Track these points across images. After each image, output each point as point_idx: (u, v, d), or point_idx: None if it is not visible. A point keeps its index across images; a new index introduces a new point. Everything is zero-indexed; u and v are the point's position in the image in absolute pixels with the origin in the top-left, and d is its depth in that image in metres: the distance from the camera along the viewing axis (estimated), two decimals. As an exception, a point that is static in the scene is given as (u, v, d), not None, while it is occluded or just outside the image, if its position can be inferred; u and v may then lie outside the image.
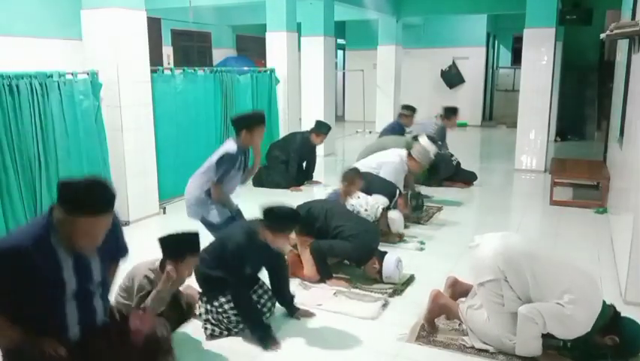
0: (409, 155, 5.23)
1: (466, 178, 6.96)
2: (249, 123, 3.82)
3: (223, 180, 3.80)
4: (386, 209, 4.58)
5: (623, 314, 2.78)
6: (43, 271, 1.98)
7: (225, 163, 3.74)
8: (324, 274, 3.79)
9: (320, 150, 8.82)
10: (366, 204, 4.44)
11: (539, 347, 2.75)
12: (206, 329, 3.04)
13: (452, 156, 7.02)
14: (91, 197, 1.94)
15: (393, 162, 5.28)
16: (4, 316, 1.98)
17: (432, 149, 5.20)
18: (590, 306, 2.68)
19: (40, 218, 2.08)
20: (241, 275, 2.98)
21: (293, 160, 6.83)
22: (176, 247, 2.61)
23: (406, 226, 4.83)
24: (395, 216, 4.66)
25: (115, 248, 2.32)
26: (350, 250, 3.78)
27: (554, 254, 2.95)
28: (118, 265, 2.45)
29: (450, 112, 7.08)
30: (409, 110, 7.31)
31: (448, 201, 6.12)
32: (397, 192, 4.93)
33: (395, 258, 3.78)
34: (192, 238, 2.65)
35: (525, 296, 2.75)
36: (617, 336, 2.68)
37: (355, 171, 4.69)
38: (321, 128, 6.85)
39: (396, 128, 7.16)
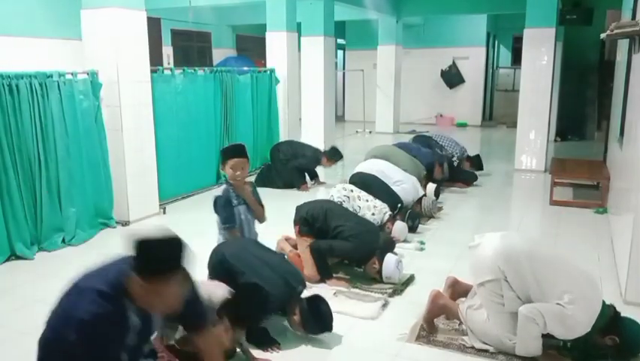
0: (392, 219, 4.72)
1: (465, 178, 6.95)
2: (222, 157, 3.65)
3: (232, 222, 3.56)
4: (392, 216, 4.58)
5: (623, 314, 2.78)
6: (111, 334, 1.92)
7: (220, 207, 3.54)
8: (324, 274, 3.79)
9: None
10: (374, 208, 4.45)
11: (539, 347, 2.75)
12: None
13: (453, 157, 6.98)
14: (165, 256, 1.82)
15: (412, 190, 5.26)
16: None
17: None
18: (589, 306, 2.68)
19: (112, 276, 1.91)
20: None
21: (297, 167, 6.81)
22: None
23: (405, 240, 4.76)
24: (400, 226, 4.64)
25: (194, 319, 2.25)
26: (350, 250, 3.78)
27: (555, 253, 2.94)
28: (202, 339, 2.30)
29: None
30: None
31: (448, 201, 6.12)
32: (399, 205, 4.91)
33: (395, 258, 3.77)
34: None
35: (525, 296, 2.75)
36: (617, 336, 2.68)
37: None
38: (335, 156, 6.83)
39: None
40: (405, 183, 5.25)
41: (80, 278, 1.97)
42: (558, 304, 2.65)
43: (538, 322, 2.66)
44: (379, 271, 3.74)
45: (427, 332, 3.08)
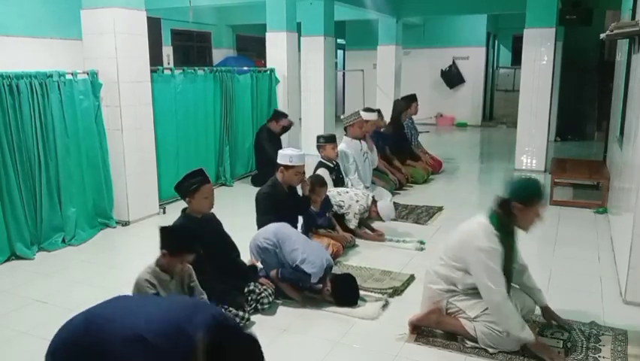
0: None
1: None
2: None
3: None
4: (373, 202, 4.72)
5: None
6: None
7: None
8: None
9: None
10: (356, 196, 4.62)
11: (527, 331, 2.74)
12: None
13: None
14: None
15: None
16: None
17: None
18: (475, 230, 2.83)
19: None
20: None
21: (267, 154, 6.76)
22: (177, 241, 2.61)
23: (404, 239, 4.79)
24: (384, 206, 4.71)
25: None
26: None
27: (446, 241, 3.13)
28: None
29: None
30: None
31: (449, 201, 6.13)
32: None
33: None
34: (194, 235, 2.66)
35: (452, 259, 2.93)
36: (516, 202, 2.77)
37: (317, 178, 4.49)
38: (278, 115, 7.04)
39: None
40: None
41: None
42: (467, 261, 2.82)
43: (498, 290, 2.73)
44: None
45: (410, 331, 3.09)
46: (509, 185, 2.87)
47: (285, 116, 7.15)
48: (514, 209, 2.77)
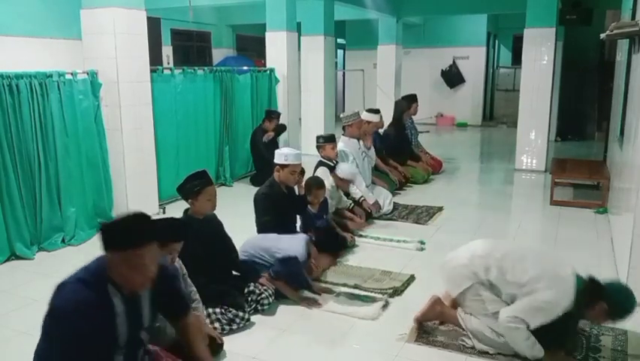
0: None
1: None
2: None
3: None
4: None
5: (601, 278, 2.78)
6: (99, 322, 1.96)
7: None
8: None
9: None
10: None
11: (535, 347, 2.74)
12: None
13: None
14: (131, 228, 1.95)
15: None
16: None
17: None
18: (559, 284, 2.70)
19: (92, 266, 2.04)
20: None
21: (263, 155, 6.78)
22: (162, 230, 2.58)
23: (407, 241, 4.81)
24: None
25: (175, 304, 2.31)
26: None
27: (516, 245, 3.08)
28: (185, 324, 2.36)
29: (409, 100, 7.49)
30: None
31: (449, 201, 6.12)
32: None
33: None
34: (179, 224, 2.66)
35: (502, 292, 2.83)
36: (605, 302, 2.69)
37: (315, 180, 4.49)
38: (271, 114, 7.05)
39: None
40: None
41: (64, 279, 2.01)
42: (528, 293, 2.70)
43: (519, 325, 2.70)
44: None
45: (415, 331, 3.08)
46: (615, 287, 2.75)
47: (276, 114, 7.15)
48: (598, 307, 2.69)
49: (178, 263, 2.81)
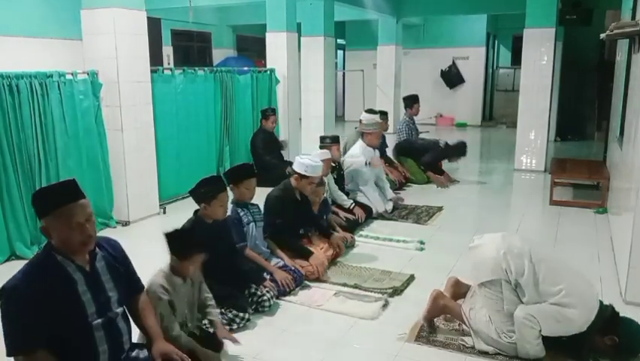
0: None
1: (455, 153, 7.07)
2: (234, 177, 3.66)
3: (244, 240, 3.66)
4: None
5: (622, 314, 2.78)
6: (60, 293, 2.00)
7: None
8: (303, 253, 3.88)
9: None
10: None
11: (540, 350, 2.75)
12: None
13: (439, 141, 7.22)
14: (58, 189, 2.09)
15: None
16: (45, 351, 1.97)
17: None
18: (585, 305, 2.69)
19: (38, 253, 2.13)
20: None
21: (265, 158, 6.83)
22: (184, 243, 2.61)
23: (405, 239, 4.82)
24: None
25: (129, 283, 2.33)
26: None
27: (552, 255, 2.97)
28: (139, 300, 2.40)
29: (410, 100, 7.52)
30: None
31: (450, 201, 6.13)
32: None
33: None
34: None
35: (524, 297, 2.76)
36: (617, 336, 2.69)
37: None
38: (267, 111, 7.06)
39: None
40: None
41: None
42: (553, 304, 2.66)
43: (534, 326, 2.69)
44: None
45: (427, 332, 3.08)
46: (632, 325, 2.76)
47: (271, 110, 7.17)
48: (609, 338, 2.71)
49: (198, 271, 2.81)
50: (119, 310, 2.21)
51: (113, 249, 2.25)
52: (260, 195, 3.86)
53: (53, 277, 2.00)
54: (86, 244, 2.07)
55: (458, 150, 7.06)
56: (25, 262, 2.09)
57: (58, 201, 2.00)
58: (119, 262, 2.25)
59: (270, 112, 7.13)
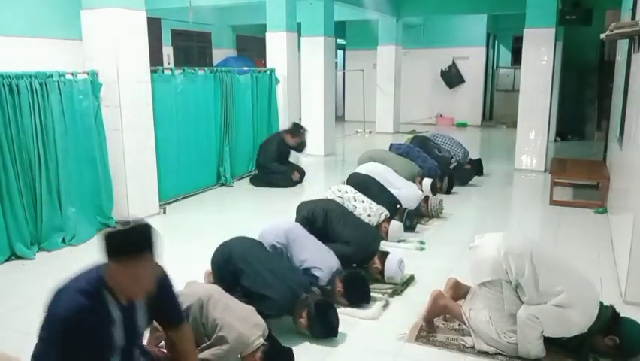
0: (388, 219, 4.70)
1: (461, 178, 6.84)
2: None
3: None
4: (388, 219, 4.59)
5: (623, 315, 2.78)
6: (96, 330, 1.97)
7: None
8: None
9: (320, 150, 8.85)
10: (370, 210, 4.46)
11: (541, 350, 2.75)
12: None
13: (452, 158, 6.97)
14: (135, 239, 1.95)
15: (412, 196, 5.28)
16: None
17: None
18: (586, 306, 2.69)
19: (90, 273, 2.05)
20: None
21: (272, 164, 6.84)
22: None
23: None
24: (396, 227, 4.61)
25: (170, 313, 2.30)
26: (351, 254, 3.76)
27: (554, 255, 2.95)
28: (180, 332, 2.34)
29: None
30: None
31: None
32: (397, 205, 4.91)
33: (398, 258, 3.77)
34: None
35: (524, 297, 2.76)
36: (617, 337, 2.69)
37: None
38: (297, 129, 6.98)
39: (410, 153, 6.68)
40: (405, 189, 5.27)
41: (61, 284, 2.02)
42: (555, 306, 2.66)
43: (537, 327, 2.69)
44: (381, 271, 3.74)
45: (427, 332, 3.08)
46: (633, 325, 2.76)
47: (303, 131, 7.06)
48: (609, 338, 2.71)
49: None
50: (140, 343, 2.21)
51: (160, 284, 2.16)
52: (266, 194, 3.84)
53: (94, 315, 1.95)
54: (142, 296, 2.05)
55: (469, 173, 6.97)
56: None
57: (133, 252, 1.93)
58: (161, 296, 2.18)
59: (302, 131, 7.02)
